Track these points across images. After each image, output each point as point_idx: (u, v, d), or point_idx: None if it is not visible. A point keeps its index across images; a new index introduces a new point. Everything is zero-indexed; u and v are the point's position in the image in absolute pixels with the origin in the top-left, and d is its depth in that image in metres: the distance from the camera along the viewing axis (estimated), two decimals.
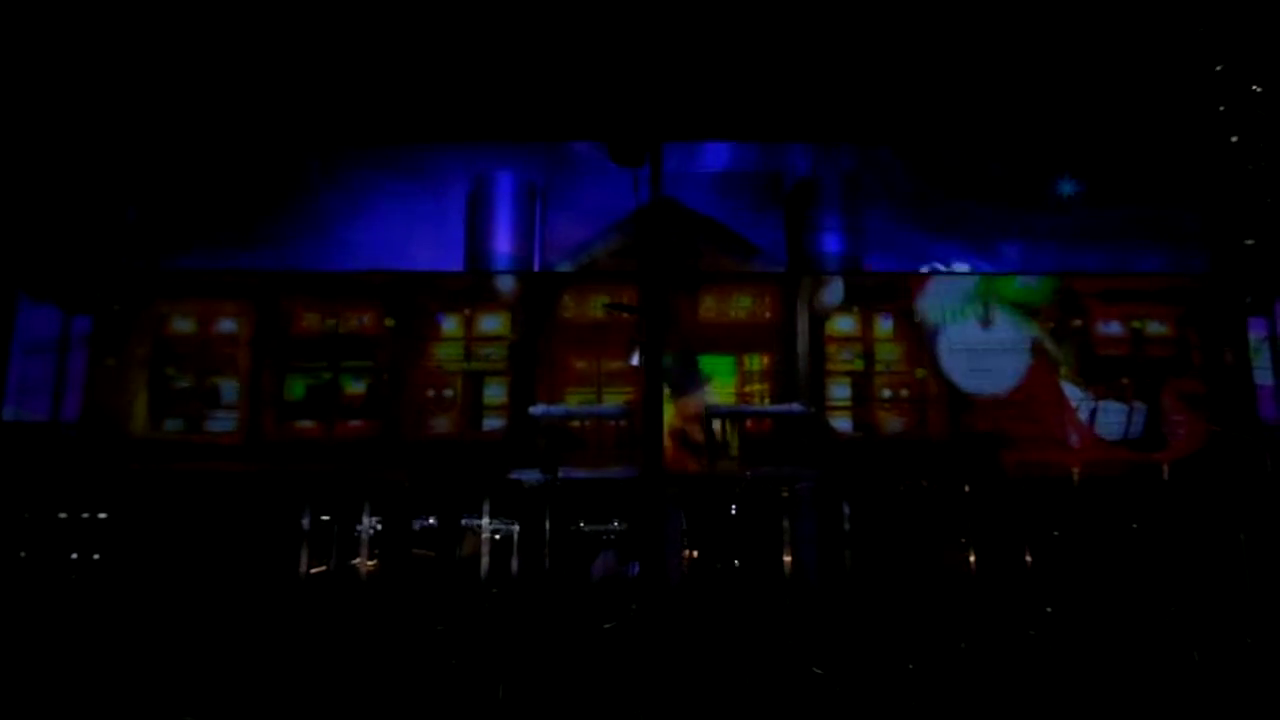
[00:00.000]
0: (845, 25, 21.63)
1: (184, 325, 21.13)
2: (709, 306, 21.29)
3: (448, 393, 20.95)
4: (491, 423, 20.87)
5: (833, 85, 21.70)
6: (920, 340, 21.11)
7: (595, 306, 20.68)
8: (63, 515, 20.40)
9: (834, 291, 21.39)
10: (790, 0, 21.67)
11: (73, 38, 21.11)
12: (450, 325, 21.24)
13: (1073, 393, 20.84)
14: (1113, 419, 20.75)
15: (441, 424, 20.82)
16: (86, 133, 21.22)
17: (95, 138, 21.27)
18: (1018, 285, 21.28)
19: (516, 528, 20.97)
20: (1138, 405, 20.78)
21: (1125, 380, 20.89)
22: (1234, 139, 21.67)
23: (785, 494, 20.78)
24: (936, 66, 21.68)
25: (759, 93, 21.69)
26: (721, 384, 21.00)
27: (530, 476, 19.97)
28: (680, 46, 21.06)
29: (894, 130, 21.87)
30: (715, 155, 22.14)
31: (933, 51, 21.68)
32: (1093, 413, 20.76)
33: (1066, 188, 21.66)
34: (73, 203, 21.18)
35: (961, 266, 21.58)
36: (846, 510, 20.72)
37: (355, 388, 21.01)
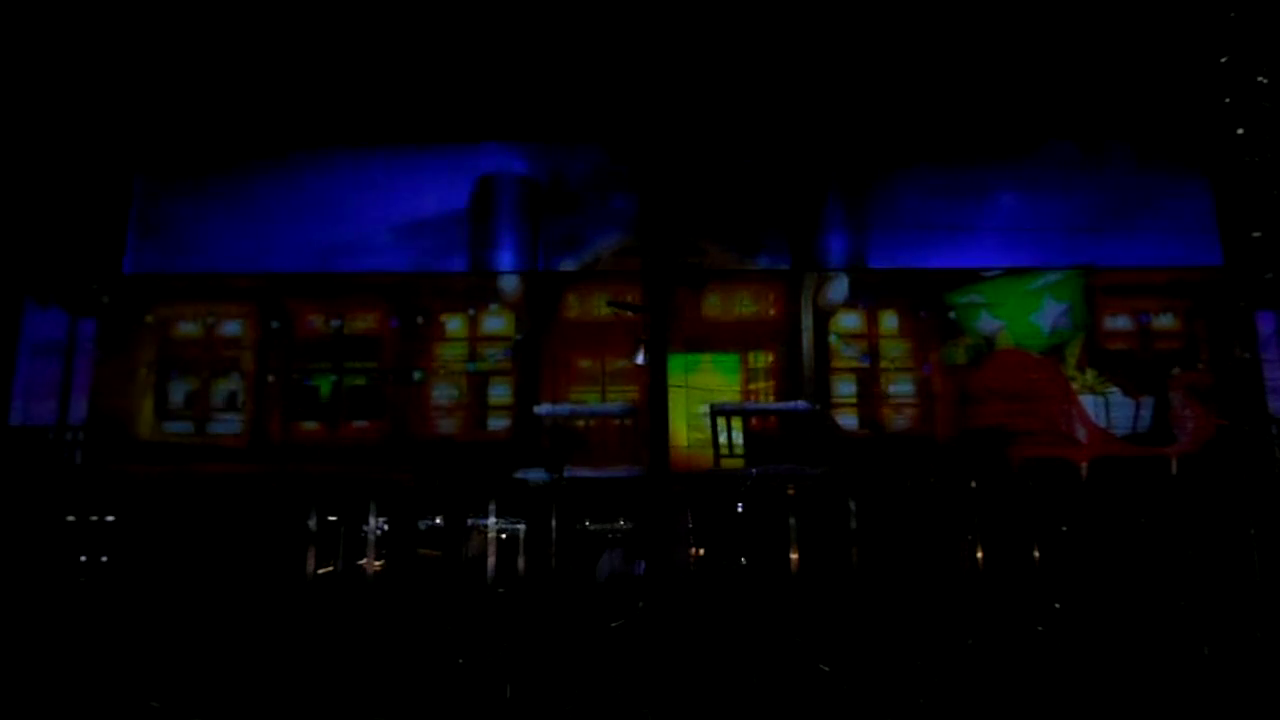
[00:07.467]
0: (843, 25, 21.61)
1: (189, 328, 21.19)
2: (713, 304, 21.24)
3: (453, 393, 20.96)
4: (496, 422, 20.89)
5: (832, 85, 21.64)
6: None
7: (599, 305, 20.63)
8: (70, 518, 20.44)
9: (838, 288, 21.32)
10: (790, 3, 21.66)
11: (74, 43, 21.17)
12: (454, 325, 21.26)
13: (1079, 387, 20.76)
14: (1120, 413, 20.65)
15: (447, 424, 20.84)
16: (90, 137, 21.27)
17: (99, 142, 21.32)
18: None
19: (522, 527, 20.96)
20: (1145, 399, 20.68)
21: (1132, 374, 20.79)
22: (1240, 131, 21.54)
23: (791, 491, 20.73)
24: (938, 69, 21.63)
25: (759, 94, 21.61)
26: (726, 381, 20.96)
27: (536, 476, 19.97)
28: (681, 47, 21.04)
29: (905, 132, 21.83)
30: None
31: (934, 54, 21.63)
32: (1100, 407, 20.65)
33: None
34: (77, 207, 21.23)
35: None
36: (853, 507, 20.66)
37: (360, 389, 21.03)
